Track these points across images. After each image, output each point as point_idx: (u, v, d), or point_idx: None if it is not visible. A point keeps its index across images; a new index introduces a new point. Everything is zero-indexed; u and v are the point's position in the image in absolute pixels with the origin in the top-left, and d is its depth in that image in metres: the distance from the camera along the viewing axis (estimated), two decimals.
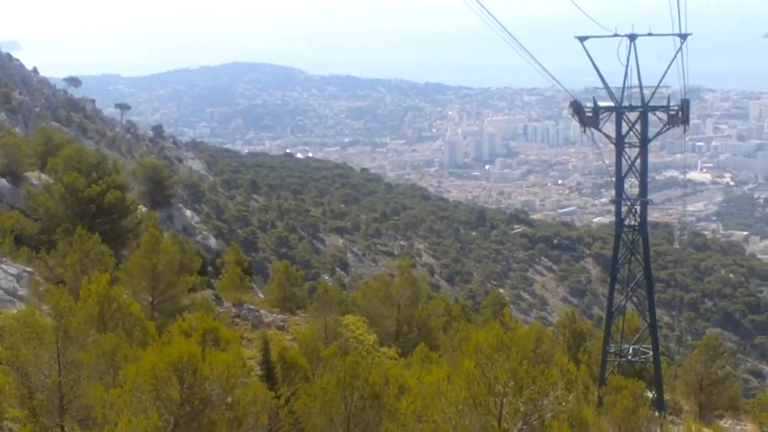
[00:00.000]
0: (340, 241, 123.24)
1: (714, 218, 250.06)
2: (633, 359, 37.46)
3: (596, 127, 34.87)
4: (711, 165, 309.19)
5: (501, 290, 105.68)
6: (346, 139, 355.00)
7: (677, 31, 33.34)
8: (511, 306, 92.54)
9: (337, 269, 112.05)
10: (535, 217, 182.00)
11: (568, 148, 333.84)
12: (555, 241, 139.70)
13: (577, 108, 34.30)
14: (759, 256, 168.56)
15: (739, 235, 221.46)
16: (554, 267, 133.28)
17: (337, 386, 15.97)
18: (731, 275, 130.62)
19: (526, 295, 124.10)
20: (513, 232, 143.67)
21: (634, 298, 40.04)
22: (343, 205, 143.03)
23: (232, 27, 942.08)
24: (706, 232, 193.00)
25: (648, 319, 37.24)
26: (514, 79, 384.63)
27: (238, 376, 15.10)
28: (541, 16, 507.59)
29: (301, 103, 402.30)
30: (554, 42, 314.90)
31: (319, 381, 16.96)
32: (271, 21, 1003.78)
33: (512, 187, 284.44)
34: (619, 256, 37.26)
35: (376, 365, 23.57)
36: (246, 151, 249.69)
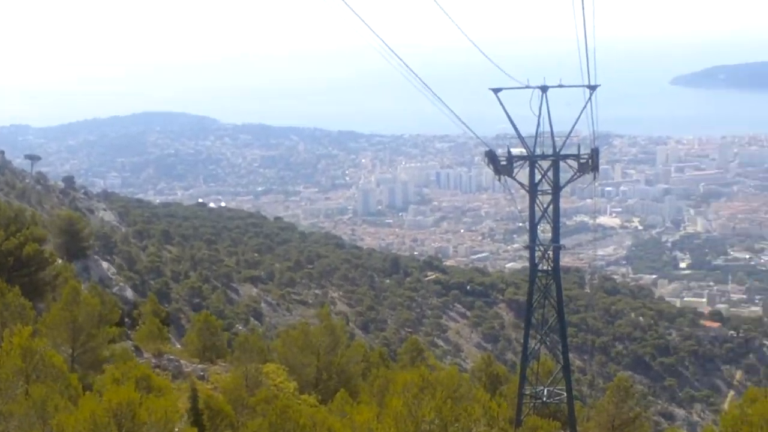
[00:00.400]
0: (254, 290, 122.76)
1: (623, 262, 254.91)
2: (548, 401, 38.23)
3: (510, 175, 35.75)
4: (620, 210, 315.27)
5: (415, 337, 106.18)
6: (260, 188, 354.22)
7: (586, 83, 34.56)
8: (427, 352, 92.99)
9: (251, 319, 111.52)
10: (448, 263, 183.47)
11: (480, 194, 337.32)
12: (468, 287, 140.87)
13: (491, 157, 35.19)
14: (667, 299, 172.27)
15: (648, 278, 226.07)
16: (468, 313, 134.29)
17: (269, 429, 16.33)
18: (641, 318, 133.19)
19: (440, 342, 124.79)
20: (426, 279, 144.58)
21: (547, 342, 40.85)
22: (256, 255, 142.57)
23: (143, 77, 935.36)
24: (616, 276, 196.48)
25: (561, 361, 38.08)
26: (426, 126, 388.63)
27: (176, 422, 15.38)
28: (453, 64, 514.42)
29: (213, 152, 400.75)
30: (466, 89, 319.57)
31: (251, 424, 17.27)
32: (183, 70, 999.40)
33: (425, 234, 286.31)
34: (533, 300, 38.03)
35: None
36: (158, 201, 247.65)
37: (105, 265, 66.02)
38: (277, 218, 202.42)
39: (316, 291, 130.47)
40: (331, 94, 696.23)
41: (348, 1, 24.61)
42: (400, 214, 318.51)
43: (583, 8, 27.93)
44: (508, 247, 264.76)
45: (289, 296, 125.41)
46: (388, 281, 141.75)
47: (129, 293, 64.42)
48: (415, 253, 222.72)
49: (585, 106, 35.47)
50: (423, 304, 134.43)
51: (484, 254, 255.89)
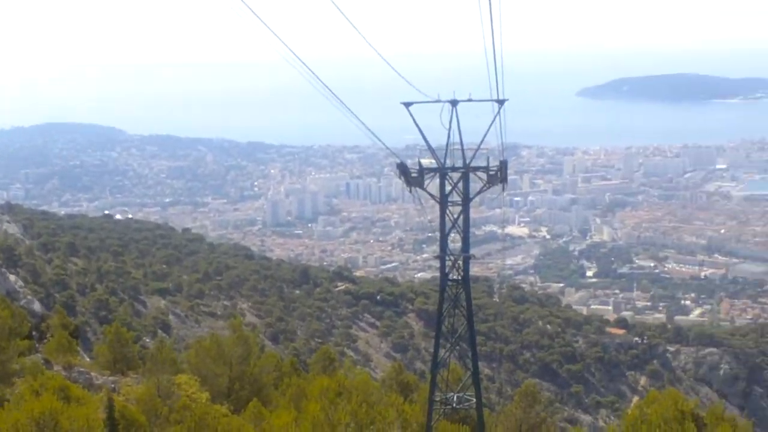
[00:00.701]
0: (162, 302, 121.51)
1: (532, 271, 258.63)
2: (457, 406, 38.81)
3: (421, 186, 36.19)
4: (528, 219, 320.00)
5: (328, 346, 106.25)
6: (167, 199, 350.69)
7: (495, 97, 35.29)
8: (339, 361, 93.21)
9: (159, 331, 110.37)
10: (358, 274, 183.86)
11: (390, 204, 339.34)
12: (378, 297, 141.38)
13: (403, 169, 35.59)
14: (574, 307, 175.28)
15: (555, 287, 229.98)
16: (377, 323, 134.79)
17: None
18: (548, 326, 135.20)
19: (350, 352, 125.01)
20: (336, 289, 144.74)
21: (457, 350, 41.43)
22: (164, 266, 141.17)
23: (47, 87, 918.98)
24: (524, 285, 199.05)
25: (471, 368, 38.71)
26: (336, 137, 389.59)
27: (97, 429, 15.47)
28: (362, 75, 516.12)
29: (120, 163, 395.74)
30: (377, 100, 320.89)
31: (171, 431, 17.42)
32: (89, 80, 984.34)
33: (335, 245, 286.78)
34: (444, 309, 38.57)
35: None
36: (63, 212, 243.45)
37: (12, 278, 64.91)
38: (186, 230, 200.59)
39: (225, 302, 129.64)
40: (241, 105, 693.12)
41: (259, 13, 24.83)
42: (309, 224, 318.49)
43: (491, 26, 28.56)
44: (418, 257, 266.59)
45: (198, 308, 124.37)
46: (297, 292, 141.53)
47: (37, 306, 63.52)
48: (325, 263, 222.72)
49: (494, 120, 36.21)
50: (333, 315, 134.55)
51: (393, 264, 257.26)
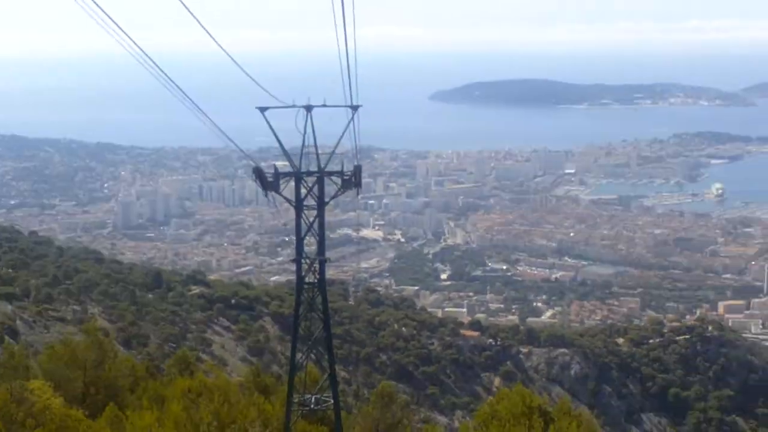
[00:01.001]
0: (9, 307, 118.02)
1: (387, 274, 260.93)
2: (315, 407, 39.21)
3: (277, 190, 36.42)
4: (383, 222, 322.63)
5: (185, 350, 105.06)
6: (12, 201, 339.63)
7: (349, 102, 35.83)
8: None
9: (6, 338, 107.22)
10: (212, 277, 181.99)
11: (244, 207, 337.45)
12: (233, 301, 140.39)
13: (259, 174, 35.76)
14: (429, 309, 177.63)
15: (410, 289, 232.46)
16: (233, 327, 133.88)
17: None
18: (404, 329, 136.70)
19: (205, 356, 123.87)
20: (190, 293, 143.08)
21: (314, 353, 41.82)
22: (11, 271, 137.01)
23: None
24: (379, 288, 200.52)
25: (328, 370, 39.17)
26: (189, 139, 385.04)
27: None
28: (218, 76, 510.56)
29: None
30: (230, 100, 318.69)
31: None
32: None
33: (188, 248, 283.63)
34: (300, 312, 38.91)
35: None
36: None
37: None
38: (32, 232, 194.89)
39: (75, 307, 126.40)
40: (88, 105, 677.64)
41: (107, 8, 24.55)
42: (161, 227, 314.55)
43: (345, 30, 28.99)
44: (273, 261, 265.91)
45: (47, 313, 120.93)
46: (150, 296, 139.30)
47: None
48: (178, 267, 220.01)
49: (348, 125, 36.77)
50: (187, 319, 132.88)
51: (248, 268, 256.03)
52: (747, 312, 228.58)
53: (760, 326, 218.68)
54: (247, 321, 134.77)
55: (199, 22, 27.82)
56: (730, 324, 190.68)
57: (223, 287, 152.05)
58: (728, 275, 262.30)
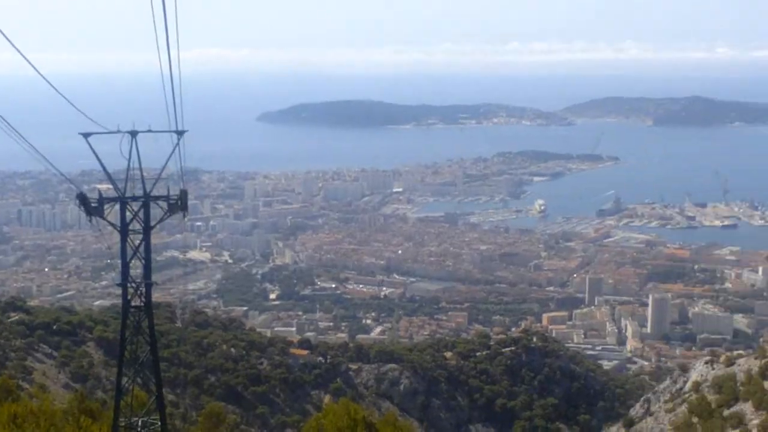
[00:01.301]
0: None
1: (215, 295, 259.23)
2: (142, 430, 39.03)
3: (101, 216, 36.14)
4: (210, 244, 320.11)
5: (5, 377, 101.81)
6: None
7: (174, 127, 35.96)
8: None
9: None
10: (32, 303, 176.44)
11: (66, 231, 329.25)
12: (55, 327, 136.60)
13: (82, 199, 35.36)
14: (258, 329, 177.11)
15: (239, 310, 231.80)
16: (55, 353, 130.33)
17: None
18: (233, 350, 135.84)
19: (25, 384, 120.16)
20: (9, 320, 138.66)
21: (140, 377, 41.54)
22: None
23: None
24: (207, 310, 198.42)
25: (155, 392, 39.04)
26: (5, 162, 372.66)
27: None
28: (36, 100, 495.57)
29: None
30: (52, 123, 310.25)
31: None
32: None
33: (7, 274, 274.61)
34: (126, 336, 38.66)
35: None
36: None
37: None
38: None
39: None
40: None
41: None
42: None
43: (169, 56, 29.24)
44: (97, 285, 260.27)
45: None
46: None
47: None
48: None
49: (174, 151, 36.87)
50: (6, 347, 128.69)
51: (70, 293, 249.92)
52: (569, 323, 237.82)
53: (582, 336, 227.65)
54: (69, 347, 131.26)
55: (12, 44, 27.49)
56: (553, 335, 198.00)
57: (44, 313, 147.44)
58: (551, 288, 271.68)
